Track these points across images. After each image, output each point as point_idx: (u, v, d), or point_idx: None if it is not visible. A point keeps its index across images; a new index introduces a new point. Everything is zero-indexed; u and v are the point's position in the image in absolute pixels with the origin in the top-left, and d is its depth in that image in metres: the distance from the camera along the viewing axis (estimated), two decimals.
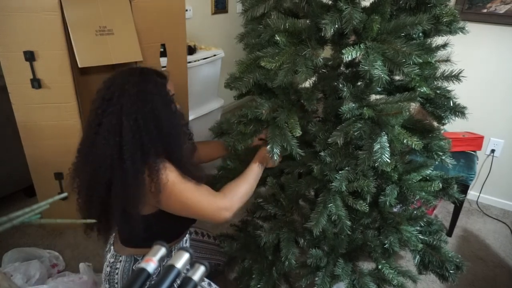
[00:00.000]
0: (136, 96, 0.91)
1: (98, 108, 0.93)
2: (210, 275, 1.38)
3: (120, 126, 0.89)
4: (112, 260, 1.09)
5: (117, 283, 1.08)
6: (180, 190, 0.95)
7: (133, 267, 1.06)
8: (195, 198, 0.97)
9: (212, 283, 1.18)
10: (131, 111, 0.90)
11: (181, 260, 0.46)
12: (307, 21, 0.99)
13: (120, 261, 1.07)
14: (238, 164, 1.20)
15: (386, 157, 0.91)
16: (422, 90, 0.97)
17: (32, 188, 1.71)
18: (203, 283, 1.14)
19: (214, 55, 2.43)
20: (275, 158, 1.02)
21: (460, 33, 1.01)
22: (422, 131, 1.10)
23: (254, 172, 1.11)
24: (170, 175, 0.93)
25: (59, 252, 1.68)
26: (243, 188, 1.07)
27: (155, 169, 0.91)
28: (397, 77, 1.09)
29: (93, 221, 0.97)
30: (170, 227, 1.09)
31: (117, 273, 1.07)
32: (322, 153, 1.04)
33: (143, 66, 1.07)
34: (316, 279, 1.10)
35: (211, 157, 1.33)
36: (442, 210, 2.21)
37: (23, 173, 1.69)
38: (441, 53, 1.06)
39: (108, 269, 1.09)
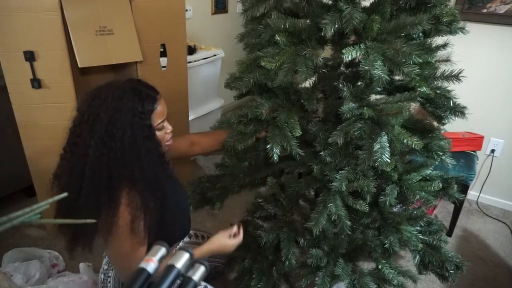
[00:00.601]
0: (107, 128, 0.85)
1: (76, 126, 0.89)
2: (210, 276, 1.37)
3: (85, 158, 0.85)
4: (105, 267, 1.09)
5: None
6: (123, 242, 0.88)
7: None
8: (127, 258, 0.90)
9: (208, 285, 1.18)
10: (98, 145, 0.84)
11: (181, 260, 0.46)
12: (307, 21, 0.99)
13: (112, 269, 1.07)
14: (236, 161, 1.20)
15: (386, 157, 0.91)
16: (422, 90, 0.97)
17: (32, 188, 1.71)
18: (199, 287, 1.13)
19: (214, 55, 2.44)
20: (275, 158, 1.02)
21: (460, 33, 1.01)
22: (422, 131, 1.10)
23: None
24: (123, 227, 0.87)
25: (59, 252, 1.68)
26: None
27: (110, 216, 0.85)
28: (397, 77, 1.09)
29: (93, 221, 0.97)
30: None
31: (109, 281, 1.07)
32: (322, 153, 1.04)
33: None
34: (316, 279, 1.10)
35: (213, 148, 1.30)
36: (442, 210, 2.21)
37: (23, 173, 1.69)
38: (441, 53, 1.06)
39: (102, 276, 1.09)
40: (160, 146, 0.96)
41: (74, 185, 0.85)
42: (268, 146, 1.02)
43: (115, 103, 0.87)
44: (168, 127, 1.01)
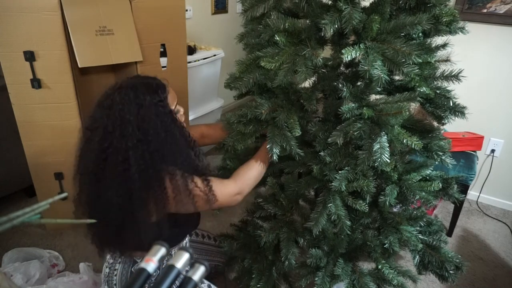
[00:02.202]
0: (139, 127, 0.87)
1: (101, 141, 0.87)
2: (210, 275, 1.38)
3: (126, 163, 0.85)
4: (111, 261, 1.08)
5: (115, 284, 1.07)
6: (194, 195, 0.95)
7: (132, 269, 1.06)
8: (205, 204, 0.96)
9: (211, 284, 1.18)
10: (136, 144, 0.86)
11: (181, 260, 0.46)
12: (307, 21, 0.99)
13: (119, 262, 1.07)
14: (238, 163, 1.20)
15: (386, 157, 0.91)
16: (422, 90, 0.97)
17: (32, 188, 1.71)
18: (202, 285, 1.14)
19: (214, 55, 2.44)
20: (275, 158, 1.02)
21: (460, 33, 1.01)
22: (422, 131, 1.10)
23: (263, 157, 1.12)
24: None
25: (59, 252, 1.68)
26: (252, 173, 1.10)
27: (162, 205, 0.89)
28: (397, 77, 1.09)
29: (93, 221, 0.97)
30: (172, 233, 1.06)
31: (115, 274, 1.07)
32: (322, 153, 1.04)
33: (143, 73, 1.04)
34: (316, 279, 1.10)
35: (217, 140, 1.31)
36: (442, 210, 2.21)
37: (23, 173, 1.69)
38: (440, 53, 1.06)
39: (107, 270, 1.08)
40: (185, 128, 0.99)
41: (125, 193, 0.86)
42: (268, 146, 1.02)
43: (135, 102, 0.88)
44: (181, 109, 1.04)
